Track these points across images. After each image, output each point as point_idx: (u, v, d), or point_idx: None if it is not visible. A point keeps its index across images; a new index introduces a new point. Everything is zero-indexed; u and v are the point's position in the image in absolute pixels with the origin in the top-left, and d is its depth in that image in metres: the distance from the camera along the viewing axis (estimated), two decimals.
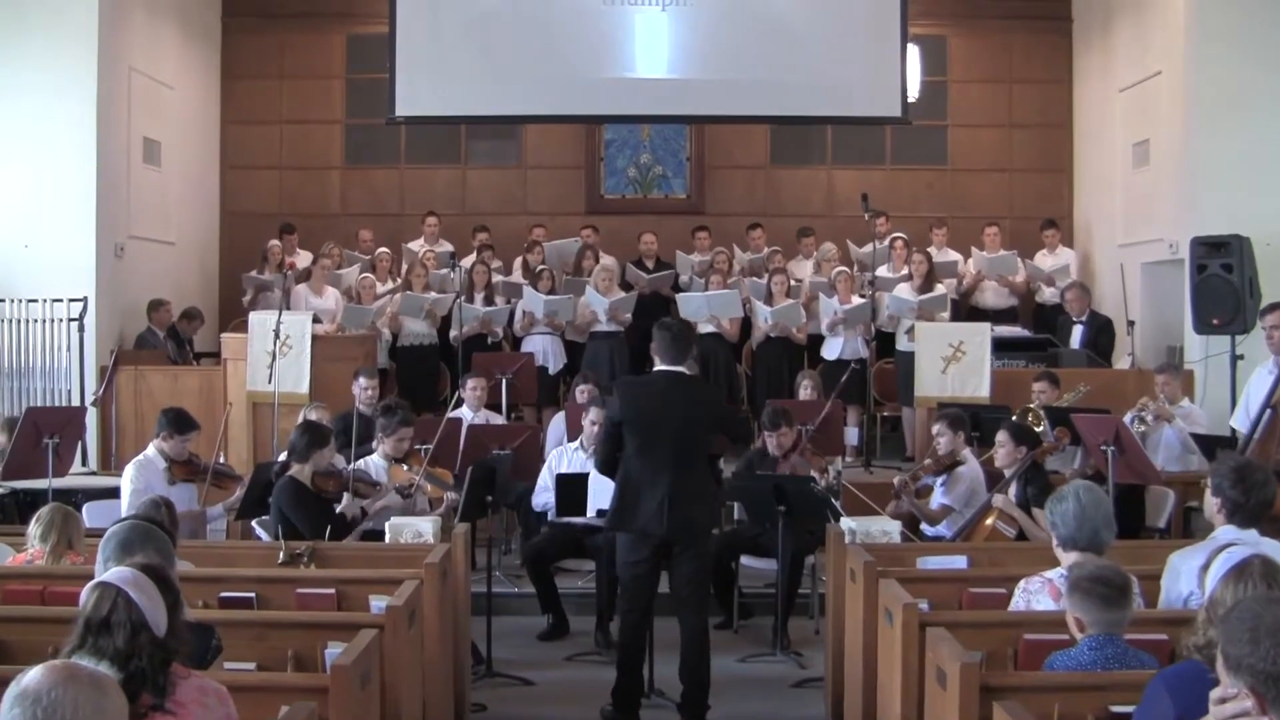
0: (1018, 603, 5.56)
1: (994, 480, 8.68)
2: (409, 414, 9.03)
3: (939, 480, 8.90)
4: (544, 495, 9.65)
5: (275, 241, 14.59)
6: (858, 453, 12.21)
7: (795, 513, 8.54)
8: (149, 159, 14.19)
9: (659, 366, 7.56)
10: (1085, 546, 5.35)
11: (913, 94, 14.86)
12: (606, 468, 7.57)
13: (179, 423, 8.67)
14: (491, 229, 15.21)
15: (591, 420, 9.65)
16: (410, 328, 13.16)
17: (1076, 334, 12.74)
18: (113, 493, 8.86)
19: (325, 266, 13.56)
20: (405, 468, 8.75)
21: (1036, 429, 9.34)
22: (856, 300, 12.68)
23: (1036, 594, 5.48)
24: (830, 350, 12.83)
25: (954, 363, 11.55)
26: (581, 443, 9.78)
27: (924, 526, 8.82)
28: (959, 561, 7.08)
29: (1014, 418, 9.63)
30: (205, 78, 16.01)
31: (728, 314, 12.83)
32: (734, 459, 10.20)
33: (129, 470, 8.62)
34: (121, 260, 13.18)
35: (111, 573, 3.89)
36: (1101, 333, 12.80)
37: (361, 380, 10.50)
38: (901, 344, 12.69)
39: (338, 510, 8.06)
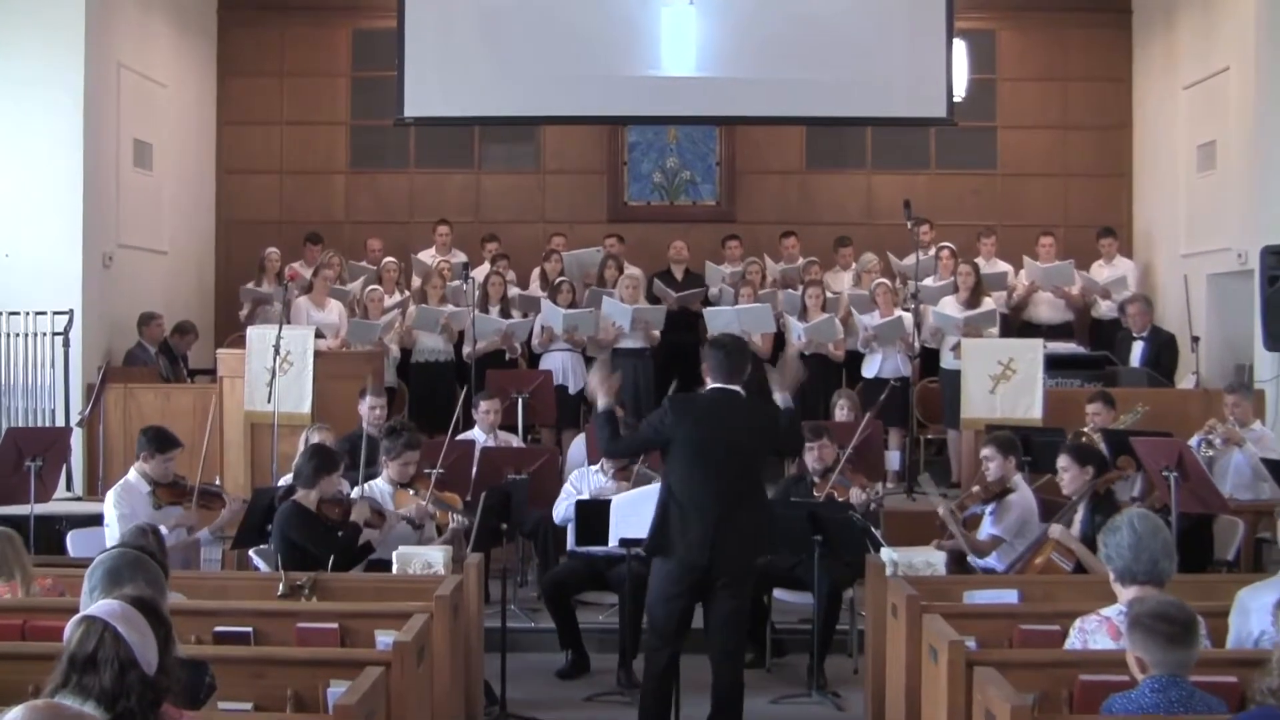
0: (1073, 642, 5.52)
1: (1048, 509, 8.64)
2: (415, 435, 9.03)
3: (988, 509, 8.85)
4: (566, 504, 9.58)
5: (273, 249, 14.57)
6: (899, 478, 12.16)
7: (832, 543, 8.51)
8: (140, 162, 14.24)
9: (711, 384, 7.50)
10: (1144, 580, 5.30)
11: (959, 93, 14.84)
12: (616, 448, 7.70)
13: (159, 441, 8.68)
14: (508, 237, 15.27)
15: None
16: (425, 343, 13.15)
17: (1137, 351, 12.67)
18: (100, 520, 8.87)
19: (327, 278, 13.55)
20: (412, 492, 8.75)
21: None
22: (899, 314, 12.63)
23: (1094, 633, 5.44)
24: (869, 368, 12.82)
25: (1003, 382, 11.50)
26: (602, 466, 9.78)
27: (971, 558, 8.78)
28: (1009, 596, 7.06)
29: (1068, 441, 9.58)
30: (200, 75, 16.08)
31: (759, 329, 12.77)
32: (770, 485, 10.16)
33: (110, 497, 8.63)
34: (110, 270, 13.22)
35: (99, 605, 3.87)
36: (1164, 350, 12.72)
37: (369, 400, 10.48)
38: (947, 361, 12.66)
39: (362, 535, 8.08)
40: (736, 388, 7.40)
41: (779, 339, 13.25)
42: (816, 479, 9.46)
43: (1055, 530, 8.07)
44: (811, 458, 9.49)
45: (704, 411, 7.41)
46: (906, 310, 12.64)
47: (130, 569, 4.71)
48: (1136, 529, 5.34)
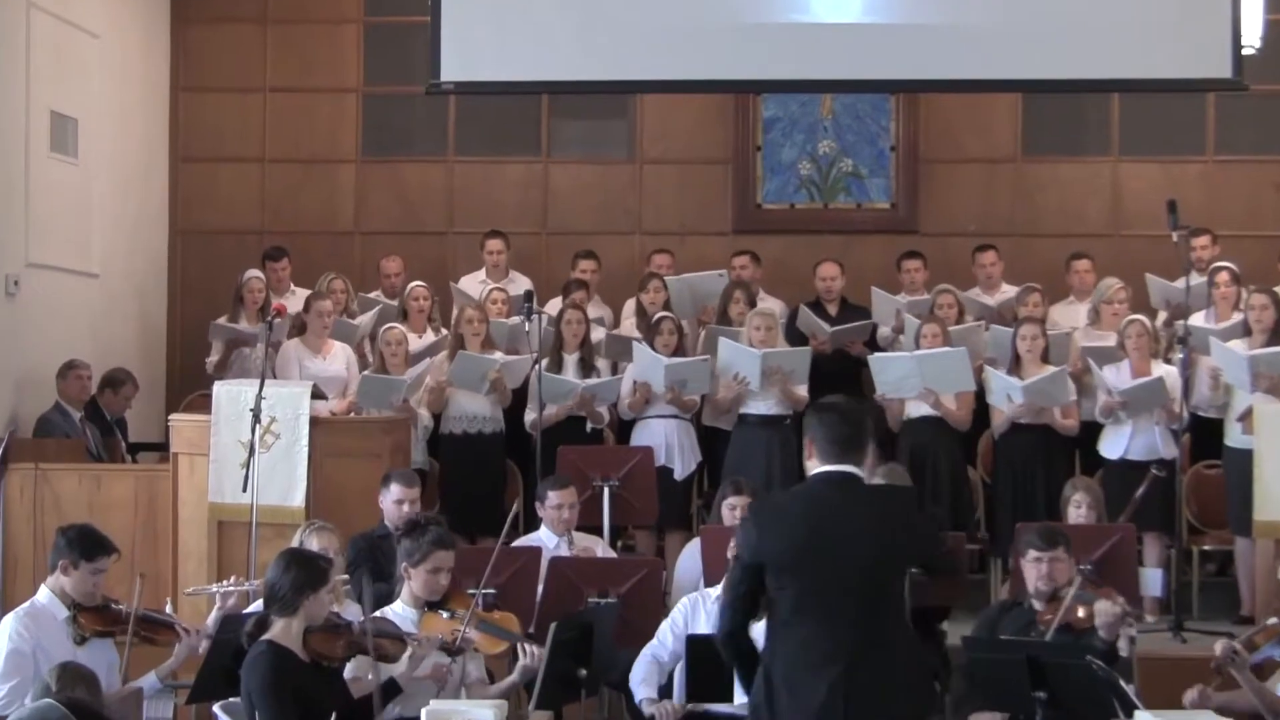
0: None
1: None
2: (445, 533, 9.02)
3: None
4: (646, 670, 9.44)
5: (255, 272, 14.67)
6: (1162, 608, 12.05)
7: (1063, 702, 8.42)
8: (59, 145, 14.40)
9: (818, 468, 7.23)
10: None
11: (1251, 43, 14.73)
12: (731, 639, 7.25)
13: (86, 544, 8.65)
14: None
15: (734, 554, 9.48)
16: (464, 406, 13.11)
17: None
18: None
19: (325, 312, 13.47)
20: (445, 615, 8.73)
21: None
22: (1160, 370, 12.43)
23: None
24: (1113, 445, 12.58)
25: None
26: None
27: None
28: None
29: None
30: (148, 21, 16.30)
31: (952, 387, 12.65)
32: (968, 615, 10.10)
33: (8, 625, 8.59)
34: (15, 301, 13.41)
35: None
36: None
37: (394, 490, 10.46)
38: (1233, 437, 12.46)
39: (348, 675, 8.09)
40: (852, 468, 7.16)
41: (982, 403, 13.09)
42: (1040, 605, 9.33)
43: None
44: (1037, 574, 9.31)
45: (802, 514, 7.16)
46: (1169, 361, 12.49)
47: None
48: None
